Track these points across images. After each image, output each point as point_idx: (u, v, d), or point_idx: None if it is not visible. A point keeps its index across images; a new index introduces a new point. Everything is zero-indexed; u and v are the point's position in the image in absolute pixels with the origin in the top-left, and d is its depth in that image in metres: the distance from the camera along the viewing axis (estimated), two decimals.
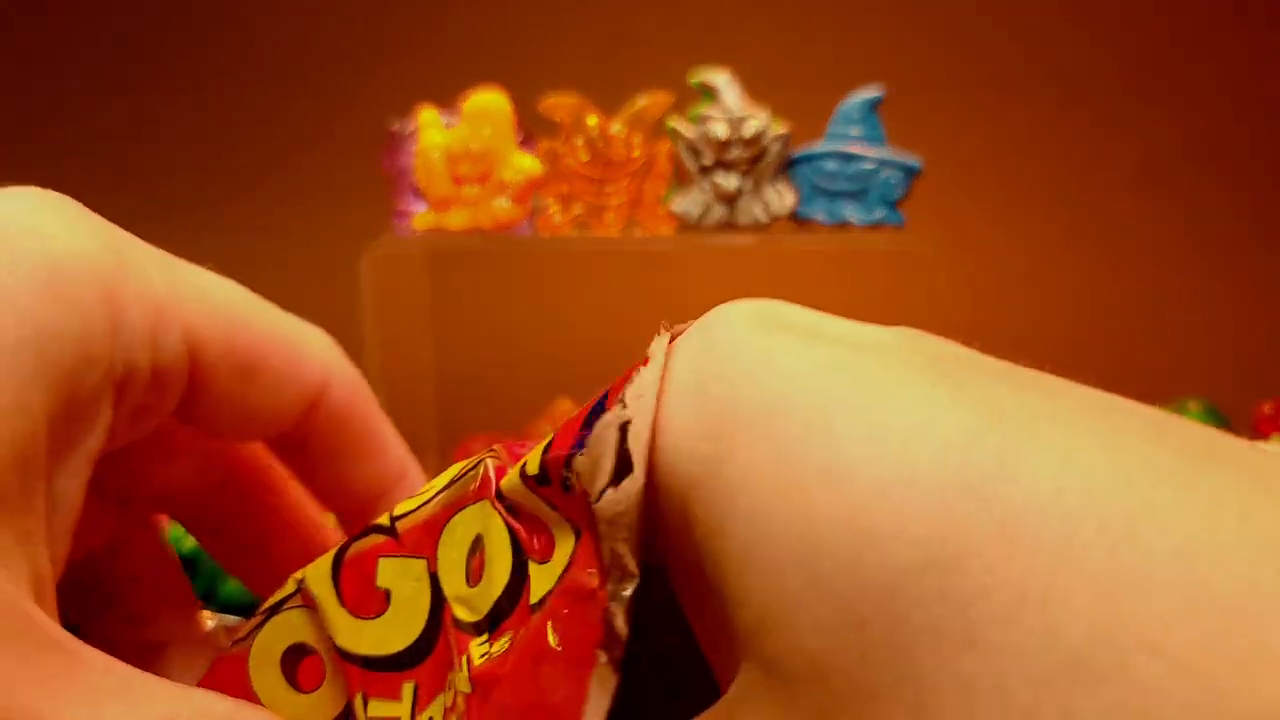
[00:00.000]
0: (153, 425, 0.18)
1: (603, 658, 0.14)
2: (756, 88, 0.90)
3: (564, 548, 0.16)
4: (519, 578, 0.16)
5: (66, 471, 0.16)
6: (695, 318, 0.17)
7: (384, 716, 0.17)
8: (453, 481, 0.18)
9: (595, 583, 0.15)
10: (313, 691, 0.19)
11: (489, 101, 0.79)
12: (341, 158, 0.98)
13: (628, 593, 0.14)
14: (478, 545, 0.17)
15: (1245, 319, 0.99)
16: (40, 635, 0.14)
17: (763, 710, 0.12)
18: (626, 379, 0.16)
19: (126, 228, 0.19)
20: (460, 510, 0.17)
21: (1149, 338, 0.98)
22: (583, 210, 0.81)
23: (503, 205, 0.80)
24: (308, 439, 0.20)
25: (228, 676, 0.20)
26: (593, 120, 0.80)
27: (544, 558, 0.16)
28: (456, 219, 0.81)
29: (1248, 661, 0.09)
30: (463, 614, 0.17)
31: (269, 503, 0.22)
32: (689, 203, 0.78)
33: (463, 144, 0.78)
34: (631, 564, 0.14)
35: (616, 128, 0.80)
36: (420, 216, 0.83)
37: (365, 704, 0.18)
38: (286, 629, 0.20)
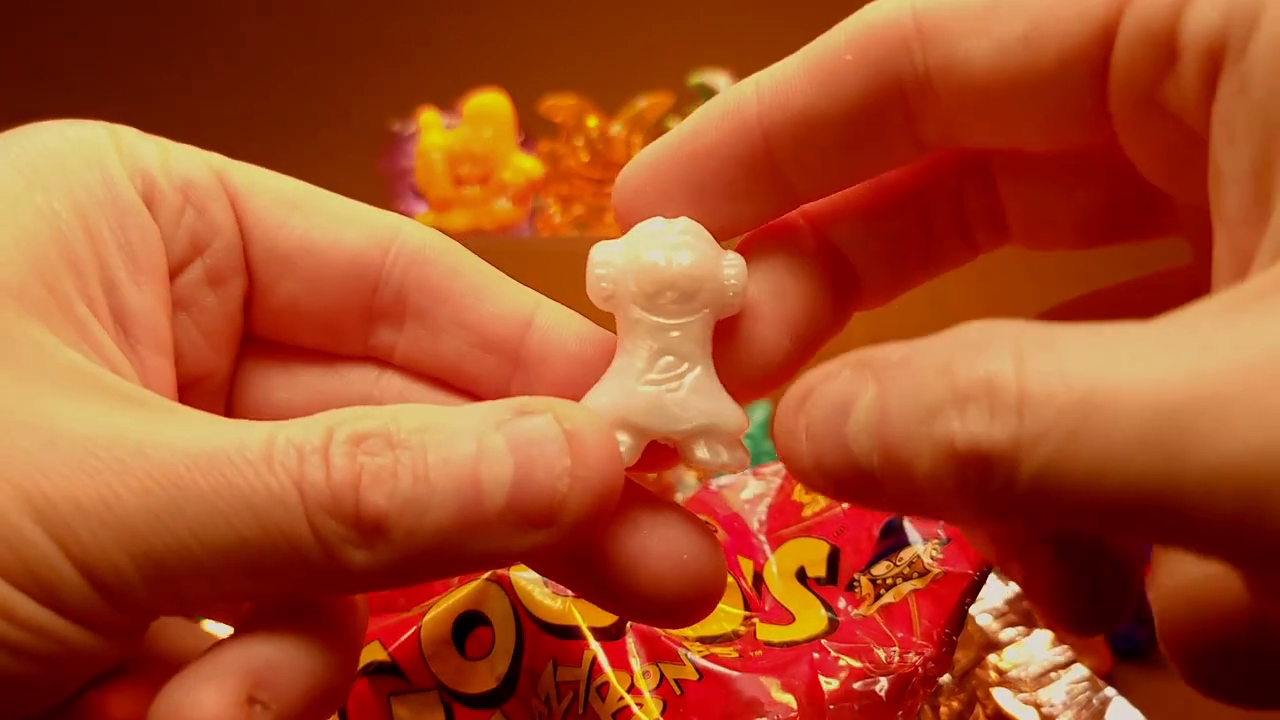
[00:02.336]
0: (222, 258, 0.18)
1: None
2: None
3: (811, 624, 0.22)
4: (746, 627, 0.22)
5: (131, 284, 0.17)
6: None
7: (569, 679, 0.21)
8: None
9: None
10: (477, 659, 0.22)
11: (490, 103, 0.79)
12: (341, 158, 0.98)
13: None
14: None
15: None
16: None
17: None
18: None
19: None
20: None
21: None
22: (583, 211, 0.81)
23: (503, 206, 0.80)
24: (406, 286, 0.19)
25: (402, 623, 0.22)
26: (593, 121, 0.80)
27: (782, 622, 0.22)
28: (457, 220, 0.81)
29: None
30: (681, 631, 0.22)
31: None
32: None
33: (464, 145, 0.79)
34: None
35: (616, 129, 0.80)
36: (421, 218, 0.83)
37: (556, 669, 0.21)
38: (472, 595, 0.22)
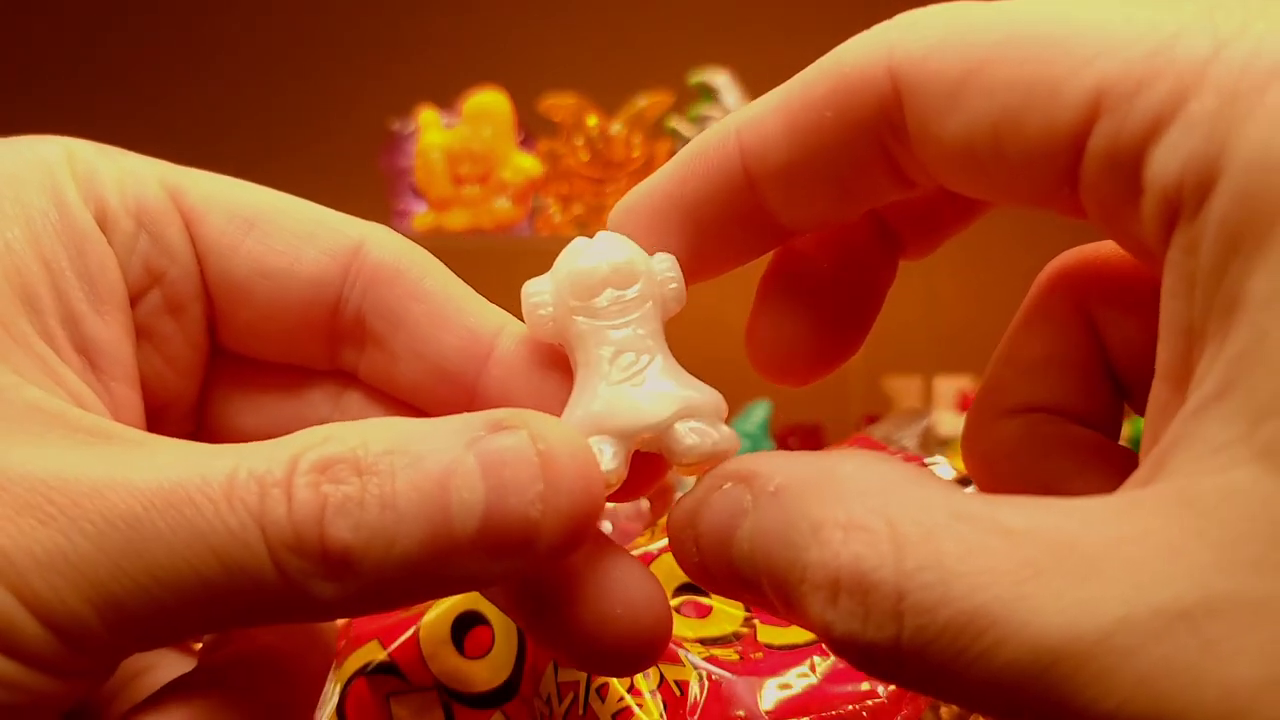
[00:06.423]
0: (180, 286, 0.18)
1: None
2: (756, 88, 0.90)
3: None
4: (748, 628, 0.22)
5: (93, 314, 0.17)
6: (695, 319, 0.17)
7: (569, 679, 0.21)
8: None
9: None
10: (475, 659, 0.22)
11: (489, 102, 0.79)
12: (341, 157, 0.98)
13: None
14: (690, 590, 0.23)
15: None
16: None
17: None
18: None
19: None
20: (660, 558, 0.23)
21: None
22: (583, 210, 0.81)
23: (503, 205, 0.80)
24: (364, 310, 0.18)
25: (402, 625, 0.22)
26: (593, 120, 0.80)
27: (784, 624, 0.22)
28: (456, 219, 0.81)
29: None
30: (682, 631, 0.22)
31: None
32: None
33: (463, 144, 0.79)
34: None
35: (616, 128, 0.80)
36: (420, 217, 0.83)
37: (556, 670, 0.21)
38: (471, 594, 0.22)
